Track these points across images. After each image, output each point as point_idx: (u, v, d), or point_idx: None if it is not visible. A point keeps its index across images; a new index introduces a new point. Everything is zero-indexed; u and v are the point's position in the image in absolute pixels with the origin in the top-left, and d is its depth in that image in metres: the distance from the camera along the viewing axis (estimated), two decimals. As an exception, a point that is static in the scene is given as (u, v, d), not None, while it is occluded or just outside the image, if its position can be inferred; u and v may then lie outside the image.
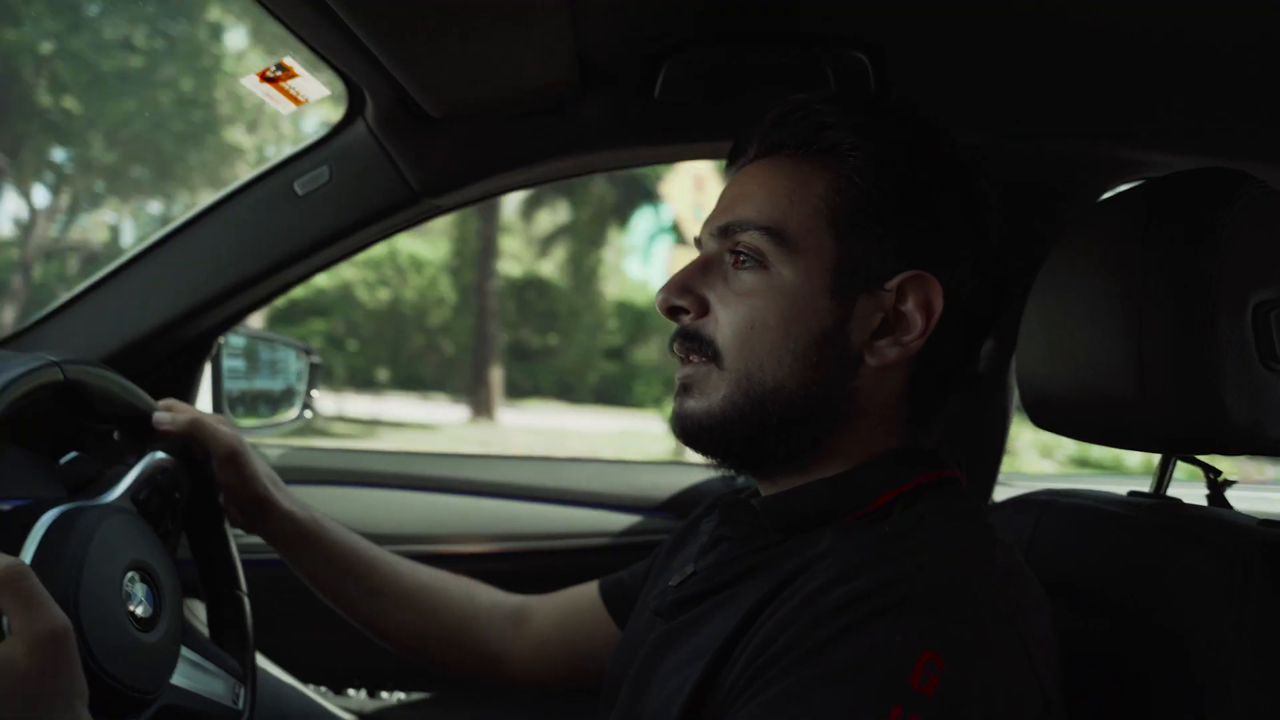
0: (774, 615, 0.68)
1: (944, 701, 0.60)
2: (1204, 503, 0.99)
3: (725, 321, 0.77)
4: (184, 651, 0.89)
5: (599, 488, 1.57)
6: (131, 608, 0.81)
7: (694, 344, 0.79)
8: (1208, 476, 1.03)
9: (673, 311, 0.81)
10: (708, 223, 0.82)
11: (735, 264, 0.78)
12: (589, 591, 1.09)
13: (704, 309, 0.79)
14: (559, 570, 1.48)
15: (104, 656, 0.75)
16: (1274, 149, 1.20)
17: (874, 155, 0.76)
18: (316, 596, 1.07)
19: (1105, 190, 1.29)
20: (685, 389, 0.80)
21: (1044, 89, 1.14)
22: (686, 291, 0.80)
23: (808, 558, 0.72)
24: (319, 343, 10.76)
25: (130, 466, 0.94)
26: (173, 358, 1.36)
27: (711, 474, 1.58)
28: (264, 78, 1.09)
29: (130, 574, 0.83)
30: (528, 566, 1.50)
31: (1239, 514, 0.89)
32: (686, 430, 0.80)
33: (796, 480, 0.79)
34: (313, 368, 1.65)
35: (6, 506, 0.91)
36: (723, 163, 0.88)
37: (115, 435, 1.02)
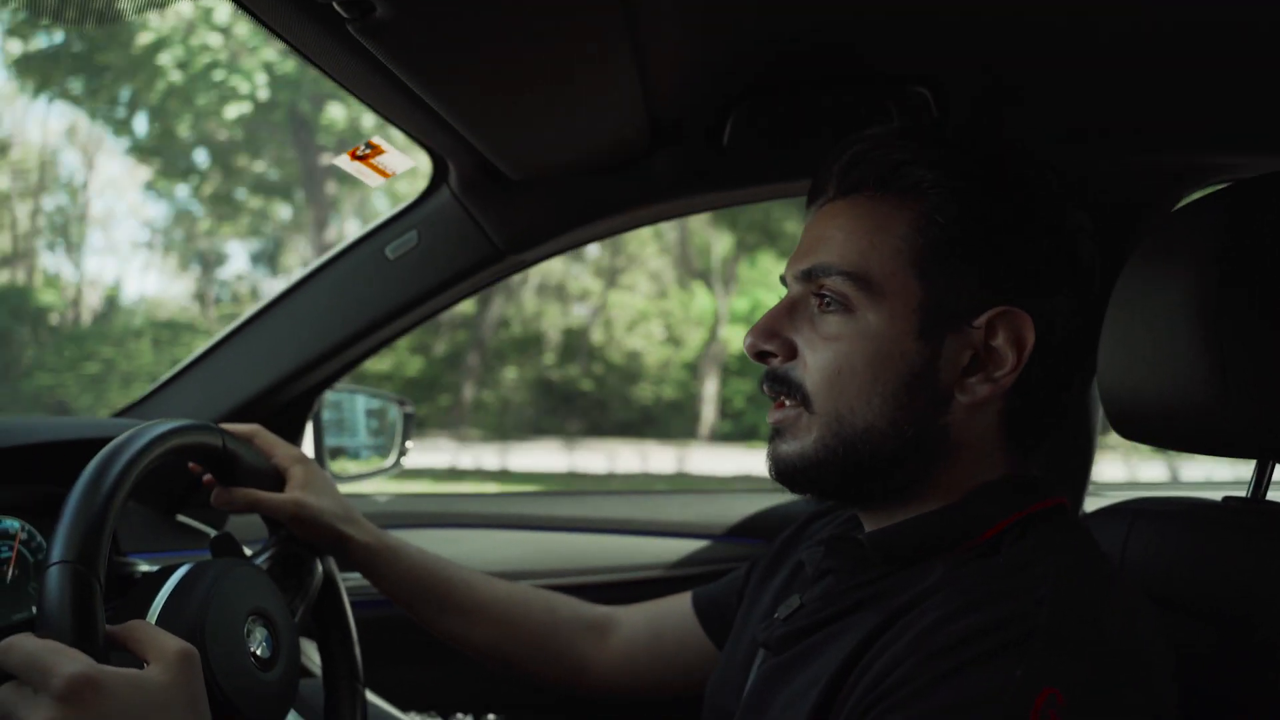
0: (888, 648, 0.69)
1: None
2: None
3: (813, 366, 0.78)
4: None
5: (680, 517, 1.60)
6: (252, 649, 0.88)
7: (783, 387, 0.80)
8: None
9: (761, 356, 0.82)
10: (791, 264, 0.83)
11: (820, 307, 0.79)
12: (681, 603, 1.10)
13: (791, 353, 0.80)
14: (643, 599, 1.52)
15: (229, 689, 0.82)
16: None
17: (954, 191, 0.76)
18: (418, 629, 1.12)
19: (1183, 197, 1.28)
20: (778, 433, 0.81)
21: (1110, 102, 1.13)
22: (773, 336, 0.80)
23: (919, 590, 0.73)
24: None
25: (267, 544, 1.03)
26: (278, 416, 1.43)
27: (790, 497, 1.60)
28: (354, 156, 1.16)
29: (251, 618, 0.90)
30: (611, 598, 1.53)
31: None
32: (782, 473, 0.81)
33: (900, 513, 0.80)
34: (406, 418, 1.72)
35: (151, 566, 1.00)
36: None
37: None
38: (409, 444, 1.70)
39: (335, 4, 0.74)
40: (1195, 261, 0.85)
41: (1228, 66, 1.03)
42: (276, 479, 1.04)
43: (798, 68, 1.08)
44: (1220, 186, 0.93)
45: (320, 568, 1.07)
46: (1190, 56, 1.01)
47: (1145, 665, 0.67)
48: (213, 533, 1.26)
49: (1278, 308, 0.79)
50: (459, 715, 1.56)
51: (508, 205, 1.27)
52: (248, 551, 1.01)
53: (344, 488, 1.64)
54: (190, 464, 1.01)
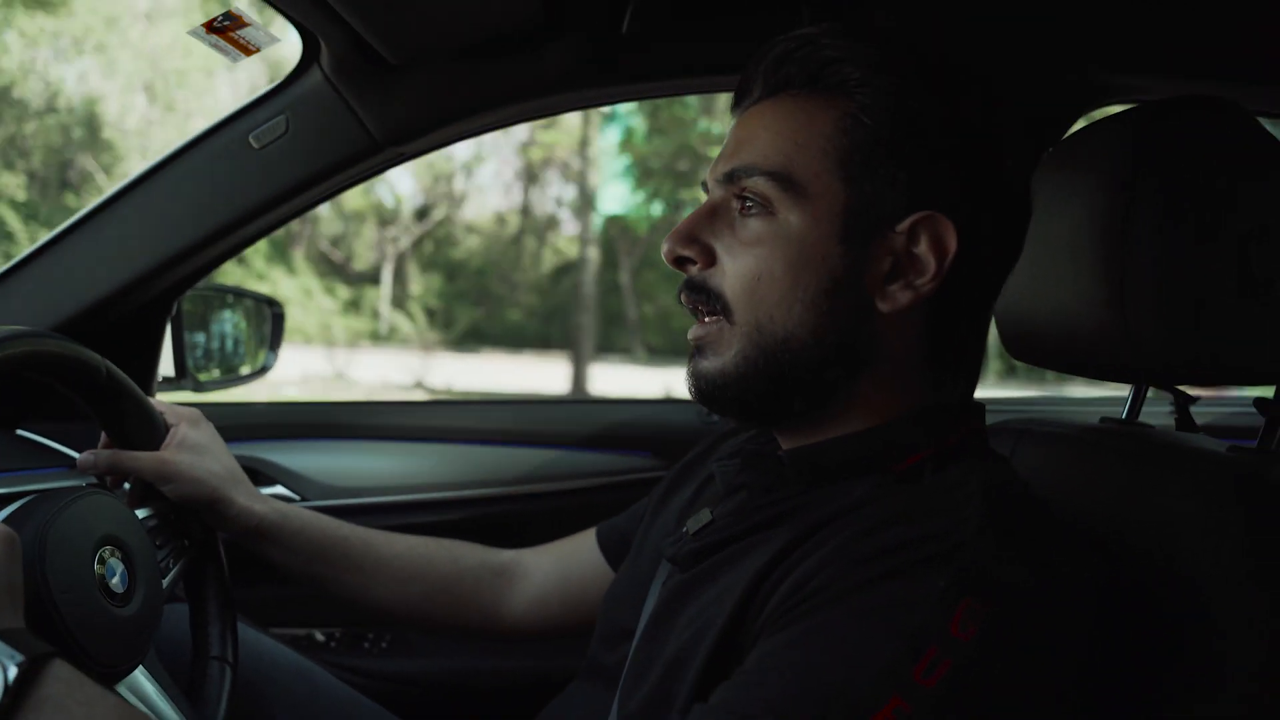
0: (806, 558, 0.68)
1: (980, 648, 0.61)
2: (1171, 423, 1.02)
3: (733, 273, 0.75)
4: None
5: (577, 428, 1.57)
6: (105, 580, 0.82)
7: (701, 296, 0.77)
8: (1175, 400, 1.05)
9: (679, 261, 0.79)
10: (714, 167, 0.79)
11: (742, 211, 0.76)
12: (587, 541, 1.09)
13: (711, 259, 0.77)
14: (543, 513, 1.50)
15: (72, 621, 0.76)
16: (1256, 70, 1.19)
17: (883, 91, 0.73)
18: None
19: (1081, 115, 1.28)
20: (699, 349, 0.78)
21: (1023, 13, 1.12)
22: (692, 241, 0.77)
23: (839, 507, 0.72)
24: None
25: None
26: (132, 320, 1.32)
27: (691, 410, 1.60)
28: (211, 28, 1.03)
29: (104, 547, 0.83)
30: (510, 511, 1.51)
31: (1208, 440, 0.91)
32: (702, 391, 0.78)
33: (819, 432, 0.78)
34: (276, 319, 1.62)
35: None
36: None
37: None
38: (279, 346, 1.62)
39: None
40: (1100, 182, 0.84)
41: None
42: (159, 431, 1.00)
43: None
44: (1126, 107, 0.92)
45: (200, 535, 1.01)
46: None
47: (1067, 587, 0.68)
48: (62, 450, 1.16)
49: (1179, 232, 0.79)
50: (317, 631, 1.51)
51: (386, 91, 1.17)
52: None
53: (211, 395, 1.56)
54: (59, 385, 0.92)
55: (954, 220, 0.73)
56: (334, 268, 11.08)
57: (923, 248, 0.73)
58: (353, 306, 11.09)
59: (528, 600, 1.09)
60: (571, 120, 10.57)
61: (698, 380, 0.78)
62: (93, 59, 9.73)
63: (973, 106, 0.75)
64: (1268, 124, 0.85)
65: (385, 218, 11.11)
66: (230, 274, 9.83)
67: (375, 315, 11.21)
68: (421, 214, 11.18)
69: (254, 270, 10.10)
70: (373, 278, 11.26)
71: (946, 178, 0.74)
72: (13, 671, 0.61)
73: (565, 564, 1.09)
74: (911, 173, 0.73)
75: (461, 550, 1.11)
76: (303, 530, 1.05)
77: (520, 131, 10.69)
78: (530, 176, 11.64)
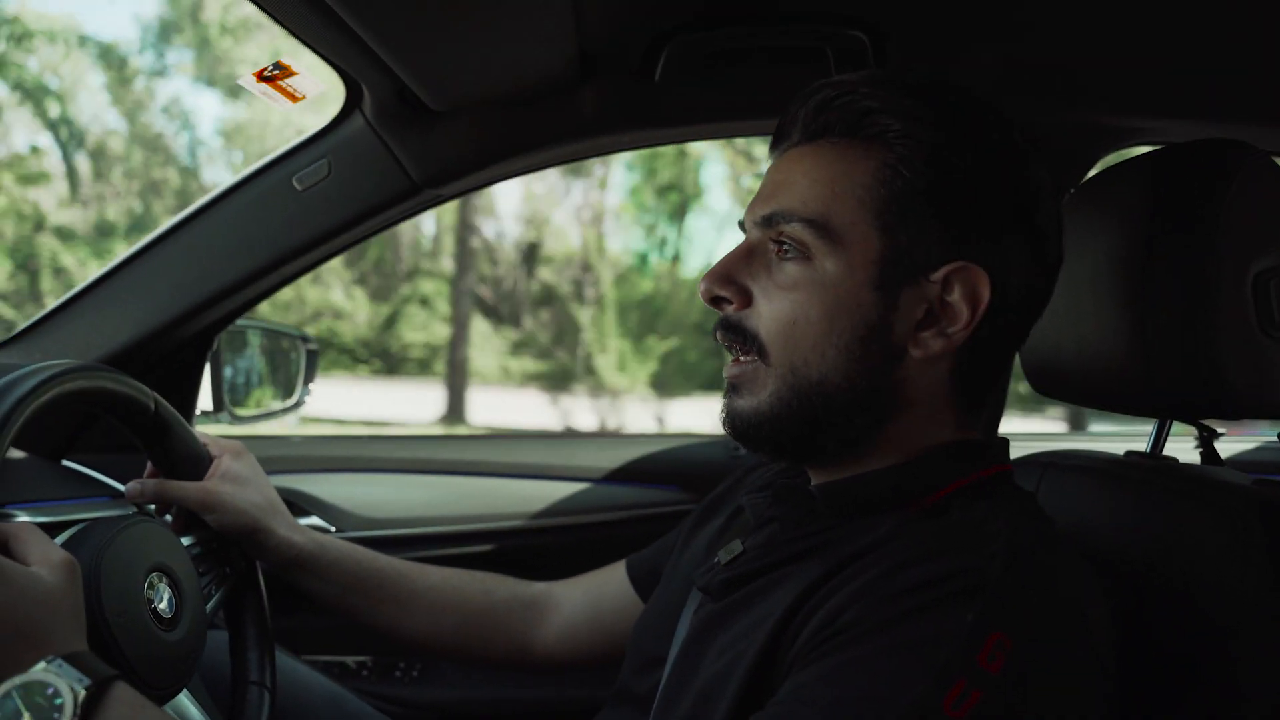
0: (835, 593, 0.69)
1: (1008, 680, 0.62)
2: (1196, 457, 1.03)
3: (768, 315, 0.77)
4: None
5: (606, 463, 1.59)
6: (154, 605, 0.84)
7: (737, 336, 0.78)
8: (1200, 434, 1.06)
9: (716, 301, 0.80)
10: (751, 209, 0.80)
11: (778, 254, 0.77)
12: (616, 574, 1.10)
13: (747, 300, 0.78)
14: (574, 545, 1.52)
15: (126, 646, 0.79)
16: (1270, 109, 1.21)
17: (921, 143, 0.74)
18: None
19: (1102, 157, 1.30)
20: (734, 388, 0.79)
21: (1040, 59, 1.14)
22: (729, 282, 0.78)
23: (868, 542, 0.73)
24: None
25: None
26: (174, 354, 1.35)
27: (718, 446, 1.62)
28: (261, 77, 1.08)
29: (153, 574, 0.86)
30: (541, 543, 1.53)
31: (1233, 473, 0.91)
32: (737, 428, 0.79)
33: (850, 468, 0.79)
34: (310, 355, 1.66)
35: (35, 518, 0.94)
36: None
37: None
38: (313, 382, 1.65)
39: None
40: (1121, 222, 0.86)
41: (1156, 29, 1.05)
42: (203, 462, 1.03)
43: (735, 2, 1.05)
44: (1147, 149, 0.94)
45: (241, 564, 1.04)
46: (1120, 15, 1.02)
47: (1089, 620, 0.69)
48: (106, 480, 1.20)
49: (1198, 272, 0.81)
50: (349, 659, 1.52)
51: (426, 136, 1.21)
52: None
53: (245, 429, 1.59)
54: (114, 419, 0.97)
55: (987, 270, 0.74)
56: (486, 307, 10.58)
57: (956, 296, 0.74)
58: (523, 346, 10.62)
59: (558, 632, 1.10)
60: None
61: (733, 418, 0.79)
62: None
63: (1008, 160, 0.77)
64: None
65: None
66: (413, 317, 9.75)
67: (547, 354, 10.60)
68: (530, 251, 10.77)
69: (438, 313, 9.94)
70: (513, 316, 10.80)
71: (981, 229, 0.75)
72: (81, 694, 0.64)
73: (595, 596, 1.10)
74: (947, 223, 0.74)
75: (493, 582, 1.12)
76: (339, 561, 1.07)
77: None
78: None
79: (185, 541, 0.98)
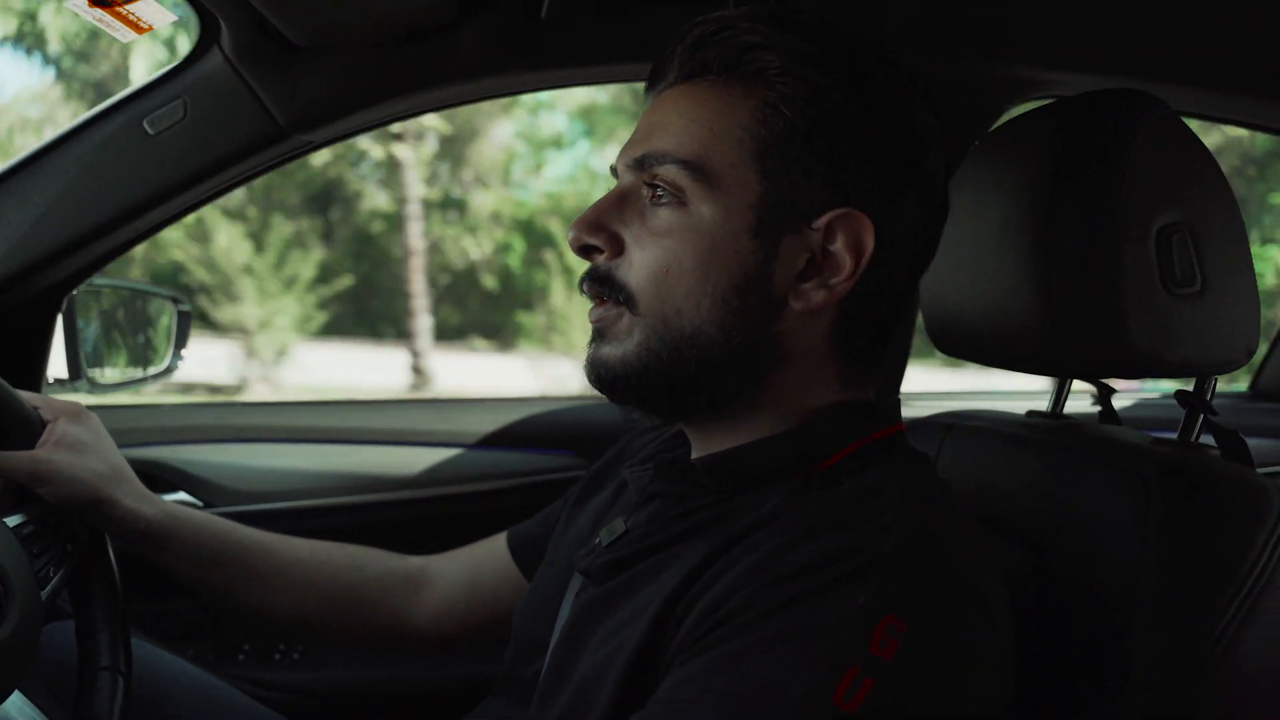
0: (722, 575, 0.66)
1: (901, 666, 0.59)
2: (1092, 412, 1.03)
3: (640, 264, 0.73)
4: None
5: (495, 427, 1.54)
6: None
7: (606, 288, 0.74)
8: (1099, 393, 1.06)
9: (586, 250, 0.76)
10: (623, 152, 0.76)
11: (652, 199, 0.73)
12: (496, 547, 1.05)
13: (619, 248, 0.74)
14: (463, 515, 1.46)
15: None
16: (1177, 67, 1.21)
17: (803, 82, 0.71)
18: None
19: (1005, 110, 1.28)
20: (600, 334, 0.76)
21: (947, 10, 1.12)
22: (600, 229, 0.75)
23: (755, 517, 0.70)
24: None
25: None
26: (16, 316, 1.23)
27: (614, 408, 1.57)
28: (95, 2, 0.96)
29: None
30: (427, 514, 1.47)
31: (1133, 433, 0.92)
32: (601, 378, 0.76)
33: (730, 435, 0.76)
34: (182, 316, 1.55)
35: None
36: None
37: None
38: (185, 345, 1.54)
39: None
40: (1024, 177, 0.84)
41: None
42: (33, 429, 0.92)
43: None
44: (1047, 100, 0.92)
45: (85, 539, 0.93)
46: None
47: (985, 594, 0.67)
48: None
49: (1102, 227, 0.79)
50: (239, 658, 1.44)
51: (292, 75, 1.11)
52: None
53: (109, 397, 1.48)
54: None
55: (872, 218, 0.71)
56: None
57: (839, 245, 0.72)
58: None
59: (434, 607, 1.05)
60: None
61: (596, 366, 0.76)
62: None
63: (895, 104, 0.74)
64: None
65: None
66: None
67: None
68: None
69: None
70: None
71: (865, 175, 0.72)
72: None
73: (474, 569, 1.05)
74: (830, 168, 0.71)
75: (366, 556, 1.06)
76: (195, 535, 0.99)
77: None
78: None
79: (14, 521, 0.88)
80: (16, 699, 0.82)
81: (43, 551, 0.88)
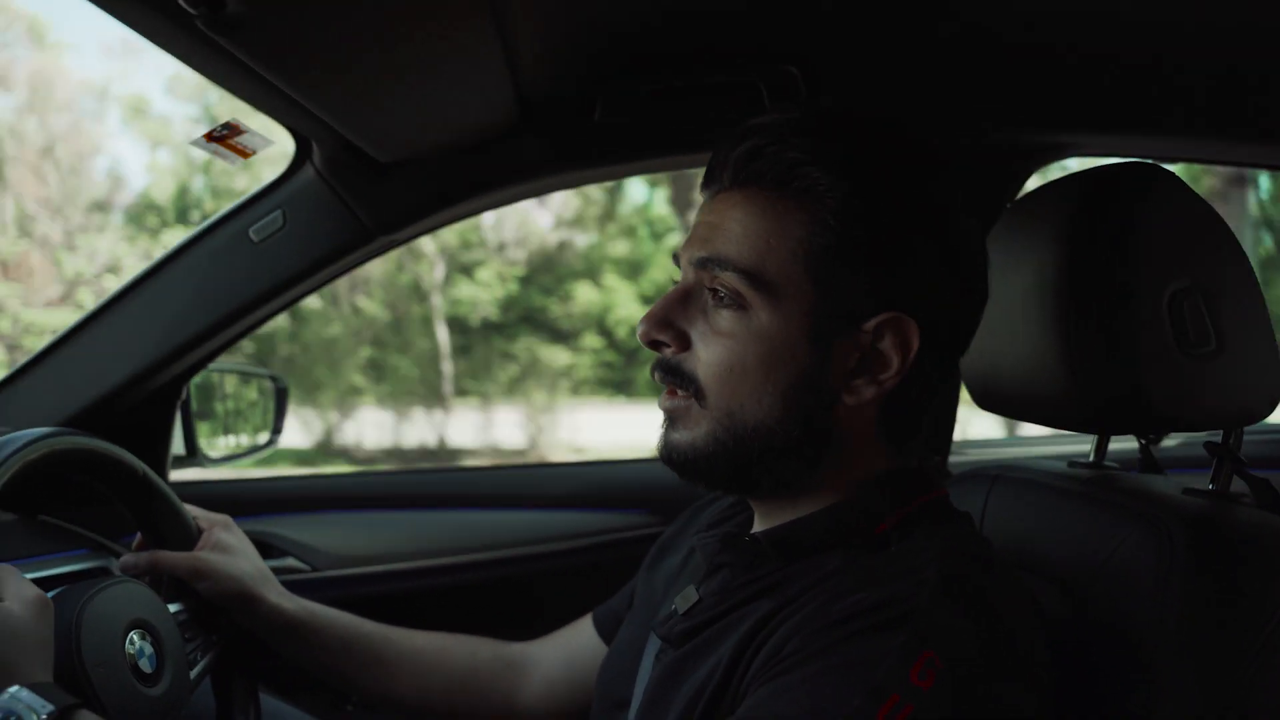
0: (782, 625, 0.73)
1: (940, 695, 0.65)
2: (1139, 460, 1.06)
3: (706, 360, 0.78)
4: None
5: (574, 490, 1.62)
6: (134, 662, 0.87)
7: (675, 378, 0.80)
8: (1140, 440, 1.10)
9: (655, 344, 0.81)
10: (687, 247, 0.81)
11: (714, 300, 0.78)
12: (584, 628, 1.12)
13: (685, 344, 0.80)
14: (547, 572, 1.53)
15: (108, 703, 0.82)
16: (1192, 123, 1.24)
17: (849, 196, 0.75)
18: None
19: (1035, 171, 1.33)
20: (671, 421, 0.82)
21: (967, 82, 1.16)
22: (667, 326, 0.80)
23: (813, 579, 0.76)
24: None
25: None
26: (145, 404, 1.38)
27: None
28: (210, 138, 1.10)
29: (133, 630, 0.89)
30: (515, 573, 1.54)
31: (1165, 481, 0.95)
32: (674, 460, 0.82)
33: (790, 508, 0.82)
34: (280, 394, 1.68)
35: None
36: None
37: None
38: (284, 420, 1.67)
39: (182, 1, 0.70)
40: (1048, 242, 0.89)
41: (1078, 49, 1.08)
42: (191, 533, 1.07)
43: (668, 44, 1.08)
44: (1072, 172, 0.96)
45: (229, 631, 1.06)
46: (1042, 39, 1.05)
47: (1019, 633, 0.72)
48: (83, 533, 1.22)
49: (1116, 294, 0.84)
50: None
51: (376, 185, 1.23)
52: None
53: (218, 471, 1.61)
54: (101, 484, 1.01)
55: (917, 319, 0.76)
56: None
57: (887, 344, 0.76)
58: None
59: (538, 690, 1.12)
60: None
61: (670, 451, 0.81)
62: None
63: (936, 208, 0.78)
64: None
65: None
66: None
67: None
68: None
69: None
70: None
71: (910, 277, 0.77)
72: (44, 718, 0.67)
73: (568, 652, 1.12)
74: (877, 275, 0.76)
75: (476, 645, 1.15)
76: (329, 628, 1.09)
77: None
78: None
79: (173, 608, 1.01)
80: None
81: (193, 638, 1.02)
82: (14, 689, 0.68)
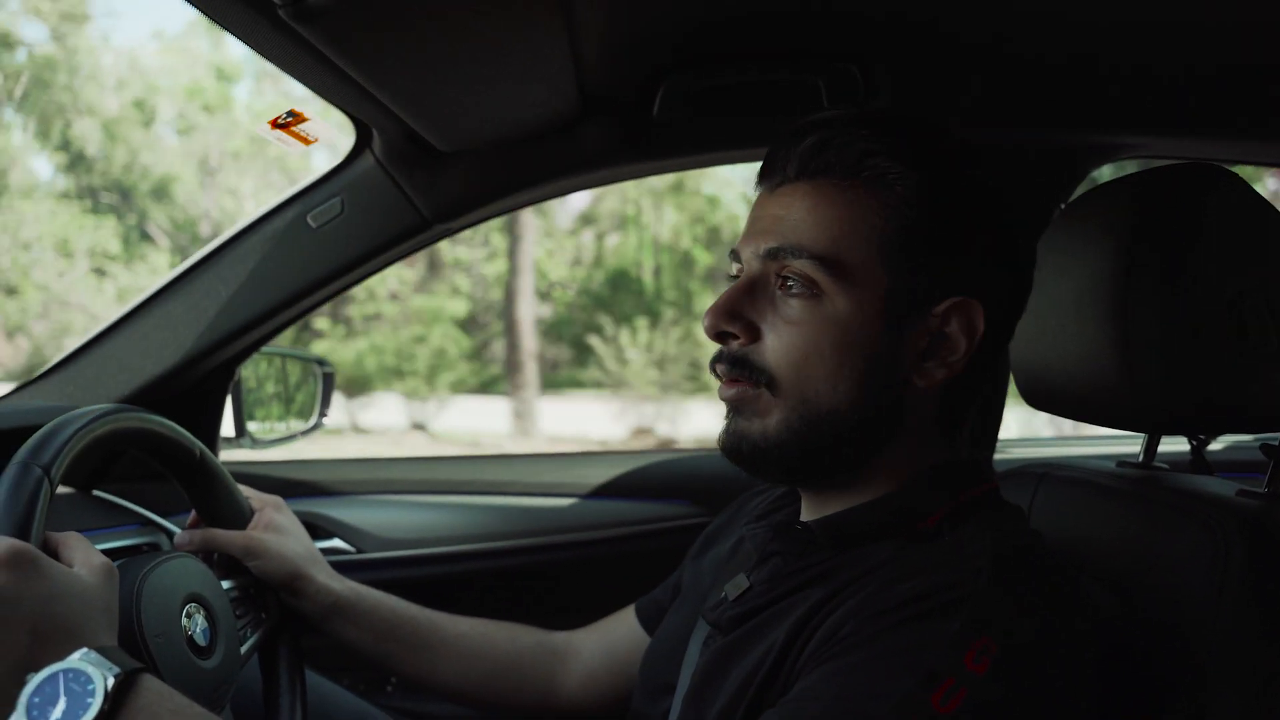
0: (837, 610, 0.74)
1: (994, 681, 0.66)
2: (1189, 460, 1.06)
3: (777, 350, 0.79)
4: None
5: (618, 479, 1.63)
6: (189, 634, 0.90)
7: (744, 370, 0.80)
8: (1191, 442, 1.10)
9: (721, 336, 0.81)
10: (750, 241, 0.82)
11: (782, 289, 0.79)
12: (627, 618, 1.14)
13: (754, 335, 0.80)
14: (589, 560, 1.55)
15: (165, 673, 0.84)
16: (1246, 125, 1.25)
17: (920, 184, 0.78)
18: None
19: (1090, 172, 1.33)
20: (736, 410, 0.82)
21: (1025, 82, 1.17)
22: (736, 317, 0.80)
23: (867, 567, 0.77)
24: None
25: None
26: (199, 385, 1.40)
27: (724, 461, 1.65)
28: (275, 125, 1.12)
29: (189, 604, 0.91)
30: (557, 559, 1.56)
31: (1219, 483, 0.94)
32: (740, 450, 0.81)
33: (843, 498, 0.82)
34: (326, 378, 1.70)
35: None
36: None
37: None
38: (329, 404, 1.70)
39: None
40: (1104, 243, 0.89)
41: (1138, 50, 1.08)
42: (244, 513, 1.09)
43: (728, 40, 1.09)
44: (1128, 173, 0.97)
45: (277, 610, 1.09)
46: (1100, 38, 1.06)
47: (1071, 626, 0.73)
48: (135, 509, 1.25)
49: (1177, 293, 0.84)
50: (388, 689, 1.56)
51: (434, 174, 1.25)
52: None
53: (266, 452, 1.64)
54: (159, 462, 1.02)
55: (981, 302, 0.79)
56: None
57: (954, 328, 0.79)
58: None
59: (579, 678, 1.13)
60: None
61: (739, 440, 0.81)
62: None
63: (992, 196, 0.81)
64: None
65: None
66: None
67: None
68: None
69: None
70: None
71: (975, 263, 0.80)
72: (111, 681, 0.69)
73: (610, 641, 1.14)
74: (945, 260, 0.79)
75: (519, 631, 1.16)
76: (375, 609, 1.12)
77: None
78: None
79: (225, 585, 1.03)
80: None
81: (244, 615, 1.04)
82: (83, 650, 0.70)
